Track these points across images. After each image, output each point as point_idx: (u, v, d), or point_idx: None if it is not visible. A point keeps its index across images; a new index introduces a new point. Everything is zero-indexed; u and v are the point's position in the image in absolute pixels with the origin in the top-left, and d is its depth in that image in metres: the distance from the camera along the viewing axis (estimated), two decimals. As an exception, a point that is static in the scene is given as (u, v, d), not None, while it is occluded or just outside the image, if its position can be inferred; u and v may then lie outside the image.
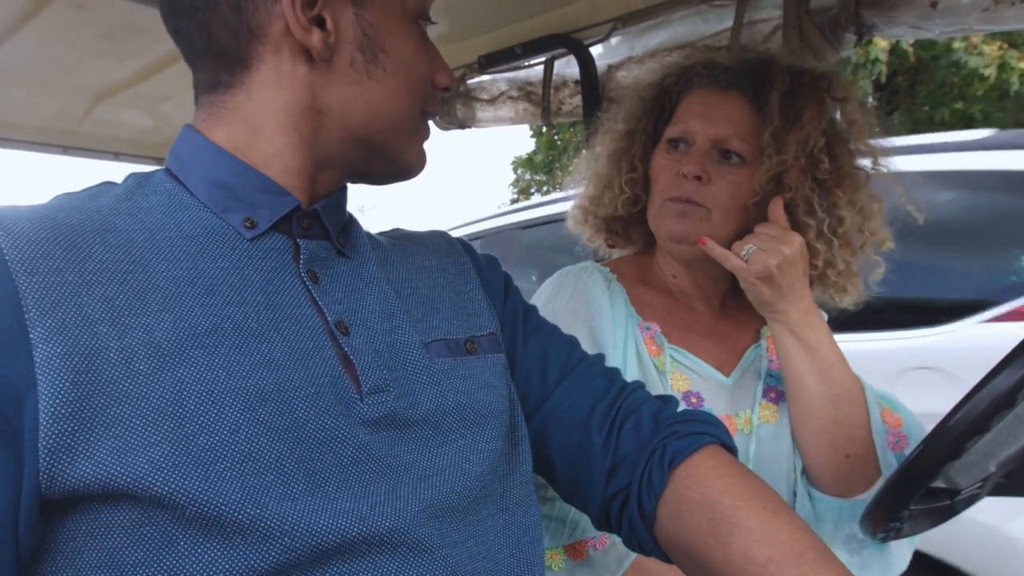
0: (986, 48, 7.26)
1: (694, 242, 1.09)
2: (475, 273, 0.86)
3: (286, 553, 0.56)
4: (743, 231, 1.10)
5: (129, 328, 0.56)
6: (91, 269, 0.57)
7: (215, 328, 0.59)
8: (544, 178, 14.16)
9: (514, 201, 17.50)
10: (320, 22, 0.66)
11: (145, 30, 1.56)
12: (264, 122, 0.69)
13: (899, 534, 0.77)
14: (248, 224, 0.67)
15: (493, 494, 0.71)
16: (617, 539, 0.98)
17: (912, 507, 0.70)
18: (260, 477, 0.56)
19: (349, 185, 0.77)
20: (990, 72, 7.25)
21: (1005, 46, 7.37)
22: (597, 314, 1.11)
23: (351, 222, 0.78)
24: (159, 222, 0.64)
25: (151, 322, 0.57)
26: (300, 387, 0.61)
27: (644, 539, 0.77)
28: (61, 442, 0.52)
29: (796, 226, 1.08)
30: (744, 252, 1.04)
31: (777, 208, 1.07)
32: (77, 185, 0.68)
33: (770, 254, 1.02)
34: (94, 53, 1.66)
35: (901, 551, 1.13)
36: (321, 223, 0.71)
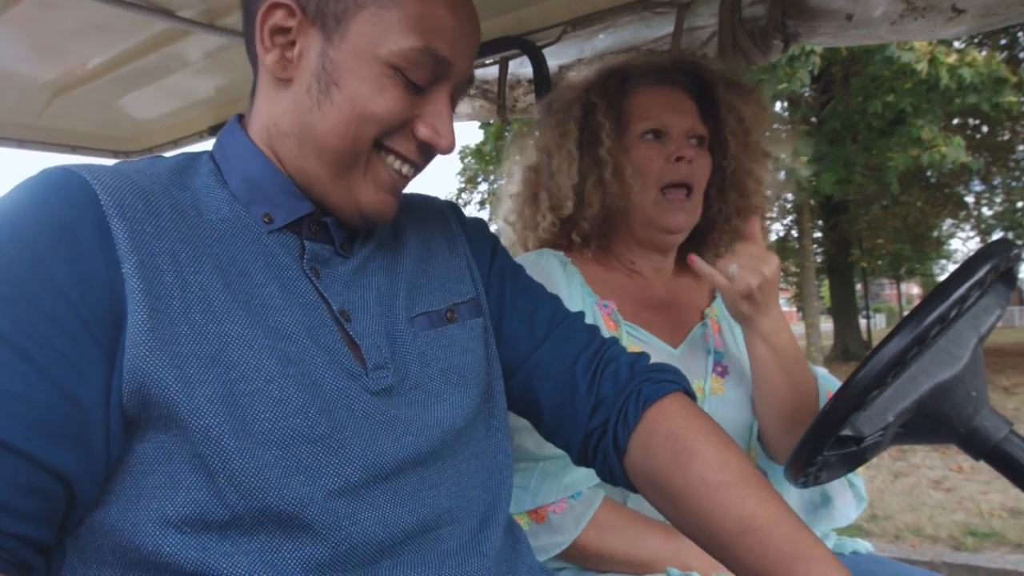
0: (917, 43, 7.55)
1: (686, 231, 1.26)
2: (463, 239, 0.95)
3: (302, 488, 0.66)
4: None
5: (189, 284, 0.66)
6: (162, 225, 0.67)
7: (250, 302, 0.69)
8: (492, 168, 14.21)
9: (461, 190, 17.54)
10: (291, 45, 0.74)
11: (110, 28, 1.59)
12: (258, 127, 0.79)
13: (817, 480, 0.89)
14: (266, 219, 0.76)
15: (469, 442, 0.82)
16: (575, 502, 1.10)
17: (826, 453, 0.82)
18: (288, 420, 0.66)
19: None
20: (921, 67, 7.55)
21: (935, 41, 7.68)
22: (556, 295, 1.22)
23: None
24: (204, 203, 0.74)
25: (205, 281, 0.67)
26: (317, 355, 0.71)
27: (615, 468, 0.88)
28: (138, 363, 0.62)
29: (750, 195, 1.30)
30: (730, 272, 1.14)
31: (754, 226, 1.19)
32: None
33: (752, 274, 1.13)
34: (56, 49, 1.68)
35: (846, 507, 1.28)
36: (328, 232, 0.80)
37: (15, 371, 0.58)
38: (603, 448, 0.89)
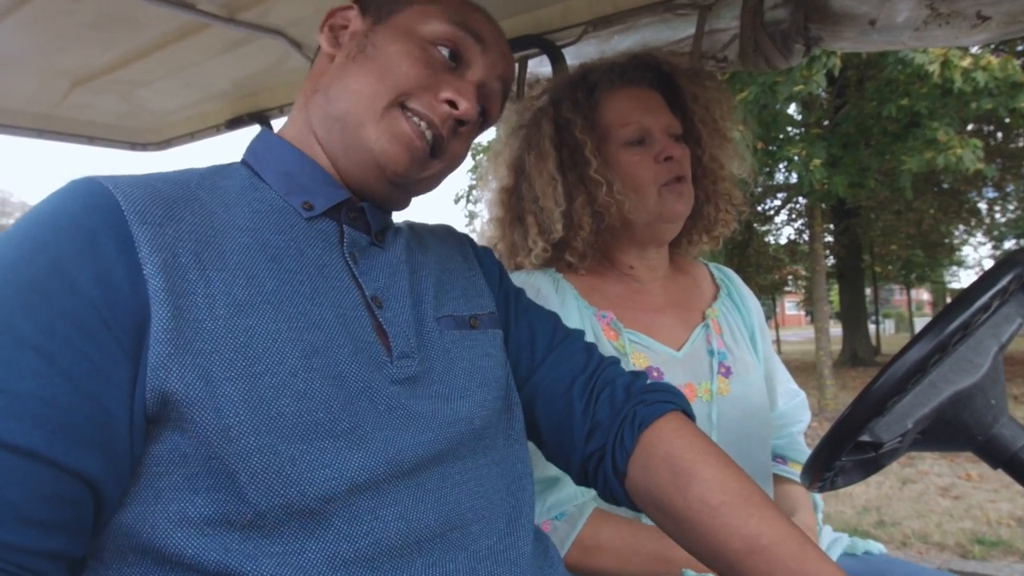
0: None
1: (685, 217, 1.28)
2: (476, 261, 0.98)
3: (326, 484, 0.66)
4: None
5: (212, 280, 0.67)
6: (184, 229, 0.68)
7: (278, 290, 0.70)
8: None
9: (472, 187, 17.51)
10: (344, 30, 0.84)
11: (131, 19, 1.60)
12: (295, 113, 0.85)
13: (834, 485, 0.88)
14: (306, 206, 0.79)
15: (491, 448, 0.82)
16: (559, 523, 1.11)
17: (844, 458, 0.82)
18: (312, 415, 0.67)
19: None
20: (934, 69, 7.51)
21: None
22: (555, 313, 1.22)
23: (390, 225, 0.89)
24: (234, 199, 0.75)
25: (229, 278, 0.68)
26: (344, 345, 0.72)
27: (616, 491, 0.88)
28: (162, 362, 0.62)
29: (720, 181, 1.34)
30: None
31: None
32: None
33: None
34: (77, 40, 1.69)
35: None
36: (365, 219, 0.83)
37: (38, 373, 0.58)
38: (603, 472, 0.89)
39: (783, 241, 17.21)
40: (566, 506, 1.14)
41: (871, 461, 0.84)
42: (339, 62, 0.83)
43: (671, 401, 0.90)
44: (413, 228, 0.97)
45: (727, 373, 1.27)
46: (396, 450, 0.72)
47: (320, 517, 0.66)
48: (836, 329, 19.02)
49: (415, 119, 0.80)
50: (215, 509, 0.63)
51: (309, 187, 0.80)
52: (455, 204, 16.24)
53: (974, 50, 7.88)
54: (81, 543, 0.62)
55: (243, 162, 0.84)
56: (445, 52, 0.83)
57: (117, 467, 0.62)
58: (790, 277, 20.43)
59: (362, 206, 0.83)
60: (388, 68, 0.80)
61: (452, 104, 0.81)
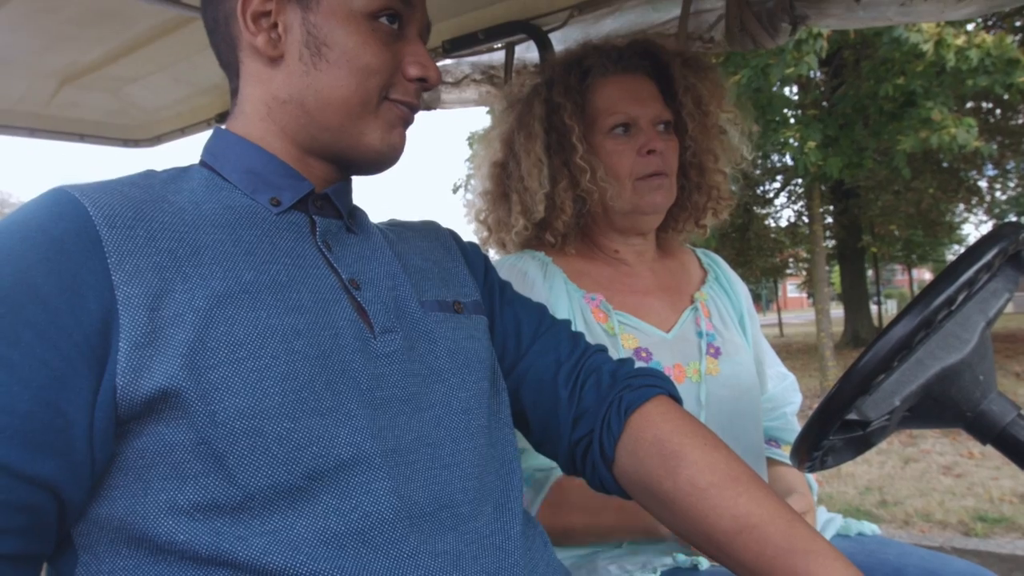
0: (924, 24, 7.45)
1: (664, 211, 1.28)
2: (460, 253, 0.98)
3: (313, 461, 0.67)
4: None
5: (189, 276, 0.67)
6: (156, 228, 0.69)
7: (256, 280, 0.71)
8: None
9: (469, 176, 17.38)
10: (275, 26, 0.79)
11: (116, 15, 1.59)
12: (251, 112, 0.82)
13: (824, 464, 0.88)
14: (274, 202, 0.79)
15: (480, 430, 0.82)
16: (525, 489, 1.11)
17: (832, 437, 0.82)
18: (296, 395, 0.67)
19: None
20: (928, 48, 7.47)
21: (942, 23, 7.57)
22: (538, 297, 1.22)
23: (357, 210, 0.89)
24: (202, 197, 0.75)
25: (206, 272, 0.68)
26: (324, 327, 0.73)
27: (605, 477, 0.88)
28: (139, 364, 0.63)
29: (708, 172, 1.32)
30: None
31: None
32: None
33: None
34: (63, 37, 1.68)
35: None
36: (332, 204, 0.83)
37: None
38: (591, 458, 0.89)
39: (783, 223, 17.16)
40: (531, 471, 1.16)
41: (860, 439, 0.84)
42: (295, 69, 0.80)
43: (658, 385, 0.89)
44: (394, 224, 0.98)
45: (716, 353, 1.28)
46: (379, 427, 0.72)
47: (308, 494, 0.67)
48: (838, 310, 19.00)
49: (399, 106, 0.83)
50: (204, 494, 0.64)
51: (274, 182, 0.80)
52: (453, 194, 16.21)
53: (968, 27, 7.82)
54: (41, 545, 0.63)
55: (202, 163, 0.83)
56: (386, 21, 0.81)
57: (76, 471, 0.63)
58: (791, 259, 20.37)
59: (326, 193, 0.83)
60: (357, 67, 0.79)
61: (421, 79, 0.84)
